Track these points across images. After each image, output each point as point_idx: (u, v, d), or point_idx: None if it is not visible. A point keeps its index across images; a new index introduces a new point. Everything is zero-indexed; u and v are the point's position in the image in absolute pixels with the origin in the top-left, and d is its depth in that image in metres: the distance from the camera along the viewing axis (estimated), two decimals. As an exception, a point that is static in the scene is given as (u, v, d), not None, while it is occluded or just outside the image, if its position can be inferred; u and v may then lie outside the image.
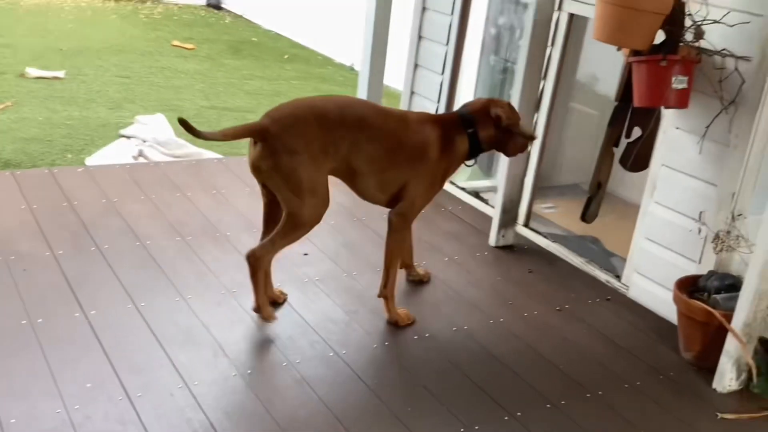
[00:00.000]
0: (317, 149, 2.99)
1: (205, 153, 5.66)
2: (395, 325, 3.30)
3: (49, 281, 3.30)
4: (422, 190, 3.24)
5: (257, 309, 3.15)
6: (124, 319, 3.09)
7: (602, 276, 3.99)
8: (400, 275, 3.72)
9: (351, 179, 3.21)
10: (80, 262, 3.48)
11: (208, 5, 12.31)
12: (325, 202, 3.08)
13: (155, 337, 3.00)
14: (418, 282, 3.69)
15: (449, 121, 3.28)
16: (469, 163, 3.35)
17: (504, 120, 3.22)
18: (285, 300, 3.37)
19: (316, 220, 3.09)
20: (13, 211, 3.89)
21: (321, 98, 3.24)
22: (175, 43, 9.52)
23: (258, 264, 3.08)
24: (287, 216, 3.03)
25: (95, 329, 2.99)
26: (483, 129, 3.26)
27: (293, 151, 2.94)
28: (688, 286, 3.32)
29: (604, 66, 5.15)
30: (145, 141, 5.66)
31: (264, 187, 3.13)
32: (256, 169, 3.01)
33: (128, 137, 5.77)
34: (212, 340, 3.02)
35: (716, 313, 3.06)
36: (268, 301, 3.23)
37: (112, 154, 5.42)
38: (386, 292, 3.32)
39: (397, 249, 3.32)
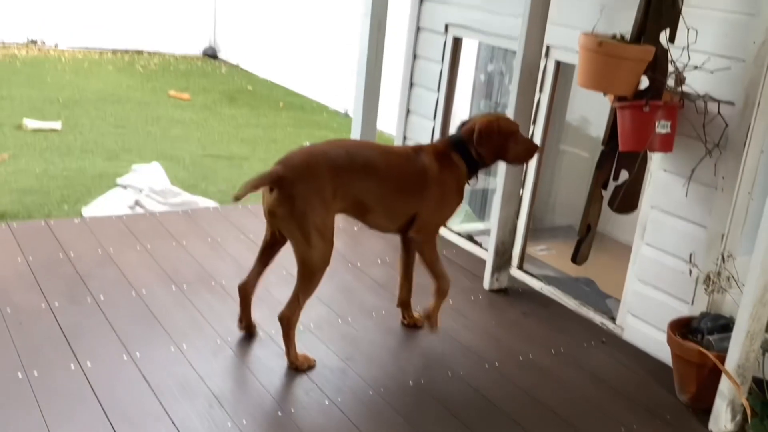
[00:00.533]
0: (328, 194, 3.13)
1: (201, 201, 5.72)
2: (428, 319, 3.53)
3: (45, 333, 3.31)
4: (433, 212, 3.40)
5: (295, 365, 3.22)
6: (120, 371, 3.09)
7: (597, 318, 4.01)
8: (396, 316, 3.74)
9: (362, 215, 3.37)
10: (76, 314, 3.49)
11: (205, 55, 12.51)
12: (331, 245, 3.20)
13: (151, 388, 3.00)
14: (412, 326, 3.71)
15: (442, 146, 3.45)
16: (471, 182, 3.48)
17: (478, 135, 3.36)
18: (255, 332, 3.48)
19: (326, 263, 3.20)
20: (9, 263, 3.91)
21: (330, 144, 3.37)
22: (172, 93, 9.66)
23: (290, 324, 3.20)
24: (300, 265, 3.16)
25: (91, 381, 2.99)
26: (474, 147, 3.40)
27: (307, 197, 3.07)
28: (682, 328, 3.34)
29: (594, 109, 5.24)
30: (141, 190, 5.71)
31: (272, 232, 3.25)
32: (272, 215, 3.14)
33: (125, 186, 5.83)
34: (207, 391, 3.02)
35: (710, 354, 3.07)
36: (248, 327, 3.42)
37: (109, 203, 5.46)
38: (438, 289, 3.49)
39: (432, 256, 3.47)
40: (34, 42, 11.40)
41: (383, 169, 3.29)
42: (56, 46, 11.55)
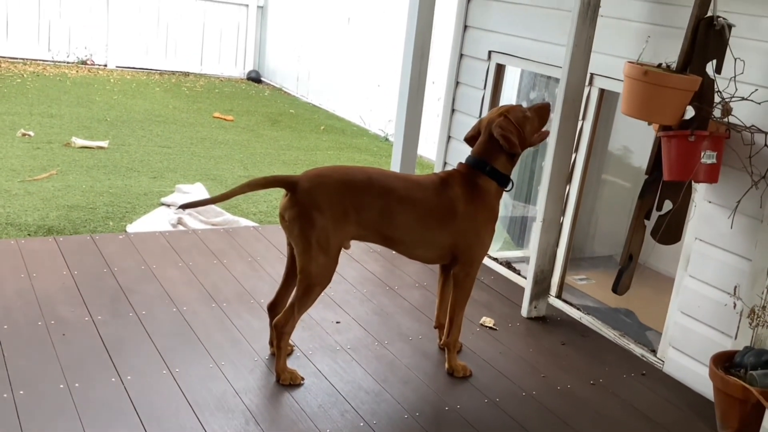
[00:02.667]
0: (339, 211, 3.15)
1: (242, 221, 5.79)
2: (451, 375, 3.46)
3: (88, 346, 3.37)
4: (473, 243, 3.36)
5: (278, 377, 3.25)
6: (159, 385, 3.13)
7: (637, 350, 3.95)
8: (433, 341, 3.74)
9: (392, 246, 3.38)
10: (118, 328, 3.55)
11: (249, 79, 12.73)
12: (333, 264, 3.22)
13: (188, 403, 3.03)
14: (449, 352, 3.69)
15: (467, 172, 3.41)
16: (507, 189, 3.44)
17: (505, 141, 3.33)
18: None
19: (325, 280, 3.21)
20: (55, 276, 4.00)
21: (355, 167, 3.41)
22: (216, 114, 9.82)
23: (283, 332, 3.21)
24: (299, 274, 3.18)
25: (130, 394, 3.04)
26: (496, 161, 3.38)
27: (316, 206, 3.11)
28: (724, 362, 3.27)
29: (636, 138, 5.21)
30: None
31: (292, 248, 3.29)
32: (282, 218, 3.21)
33: (168, 205, 5.93)
34: (244, 408, 3.04)
35: (753, 390, 3.01)
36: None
37: (152, 221, 5.56)
38: (449, 341, 3.50)
39: (463, 301, 3.46)
40: (84, 62, 11.71)
41: (406, 199, 3.26)
42: (105, 66, 11.85)
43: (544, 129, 3.50)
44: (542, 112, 3.48)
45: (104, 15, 11.70)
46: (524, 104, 5.43)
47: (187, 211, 5.78)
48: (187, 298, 3.93)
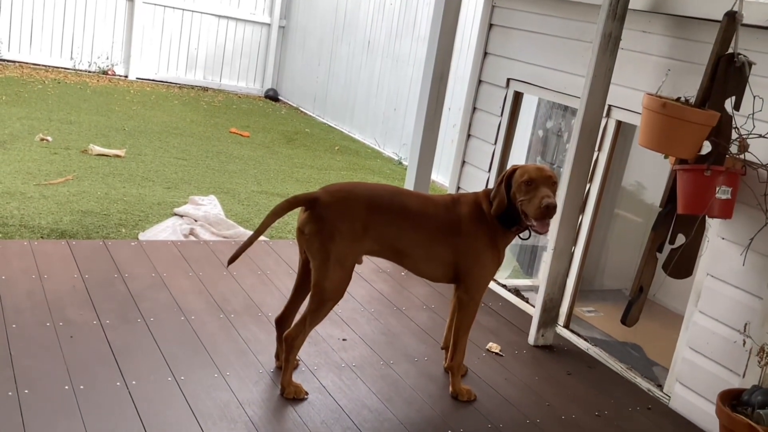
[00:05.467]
0: (359, 227, 3.17)
1: (253, 235, 5.80)
2: (456, 399, 3.45)
3: (94, 349, 3.38)
4: (473, 264, 3.35)
5: (283, 389, 3.24)
6: (164, 392, 3.13)
7: (643, 384, 3.92)
8: (438, 363, 3.72)
9: (401, 260, 3.38)
10: (125, 333, 3.56)
11: (266, 97, 12.83)
12: (348, 278, 3.22)
13: (192, 411, 3.03)
14: (454, 375, 3.68)
15: (480, 196, 3.41)
16: (523, 236, 3.40)
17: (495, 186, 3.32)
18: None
19: (339, 294, 3.21)
20: (66, 278, 4.02)
21: (376, 184, 3.44)
22: (233, 130, 9.89)
23: (293, 345, 3.21)
24: (314, 288, 3.18)
25: (135, 399, 3.04)
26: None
27: (336, 222, 3.13)
28: (732, 400, 3.24)
29: (650, 174, 5.21)
30: (196, 220, 5.83)
31: (303, 262, 3.31)
32: (300, 232, 3.21)
33: (181, 216, 5.96)
34: (247, 419, 3.04)
35: (760, 429, 2.98)
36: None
37: (165, 230, 5.58)
38: (452, 365, 3.48)
39: (467, 324, 3.45)
40: (105, 72, 11.84)
41: (419, 216, 3.30)
42: (126, 77, 11.98)
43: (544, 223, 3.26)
44: (546, 201, 3.21)
45: (127, 27, 11.85)
46: (540, 133, 5.46)
47: (199, 222, 5.80)
48: (196, 307, 3.94)
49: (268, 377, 3.38)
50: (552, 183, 3.23)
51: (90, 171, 7.00)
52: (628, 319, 3.65)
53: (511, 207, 3.29)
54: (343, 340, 3.86)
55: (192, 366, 3.36)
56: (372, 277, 4.73)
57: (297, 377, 3.38)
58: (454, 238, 3.33)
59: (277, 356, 3.48)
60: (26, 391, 2.96)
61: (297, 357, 3.47)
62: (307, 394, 3.27)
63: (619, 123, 4.24)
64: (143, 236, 5.50)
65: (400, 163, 9.60)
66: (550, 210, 3.17)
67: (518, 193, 3.25)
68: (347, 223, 3.14)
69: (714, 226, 3.56)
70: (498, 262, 3.44)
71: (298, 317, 3.30)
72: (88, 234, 5.49)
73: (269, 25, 12.81)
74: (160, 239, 5.27)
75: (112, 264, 4.30)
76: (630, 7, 3.82)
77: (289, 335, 3.21)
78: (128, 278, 4.14)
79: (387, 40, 10.44)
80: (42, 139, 7.76)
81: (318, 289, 3.17)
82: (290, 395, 3.23)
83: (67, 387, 3.05)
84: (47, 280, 3.96)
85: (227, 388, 3.24)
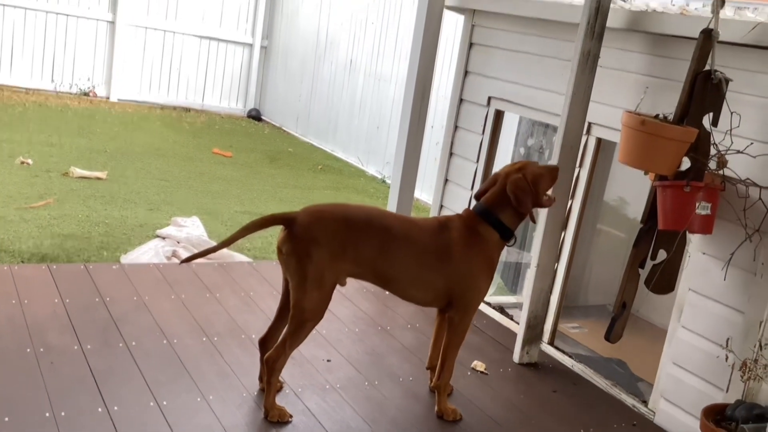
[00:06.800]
0: (337, 248, 3.15)
1: (237, 256, 5.77)
2: (441, 418, 3.43)
3: (76, 375, 3.33)
4: (468, 288, 3.36)
5: (267, 413, 3.21)
6: (146, 417, 3.09)
7: (628, 400, 3.92)
8: (424, 383, 3.71)
9: (387, 285, 3.37)
10: (107, 358, 3.52)
11: (249, 116, 12.83)
12: (327, 300, 3.21)
13: (174, 436, 2.99)
14: (440, 394, 3.67)
15: (469, 219, 3.41)
16: (509, 244, 3.45)
17: (515, 199, 3.34)
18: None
19: (318, 315, 3.20)
20: (46, 303, 3.98)
21: (355, 205, 3.44)
22: (216, 150, 9.88)
23: (274, 367, 3.18)
24: (292, 309, 3.17)
25: (116, 425, 3.00)
26: (504, 213, 3.38)
27: (314, 241, 3.12)
28: (715, 415, 3.25)
29: (631, 189, 5.25)
30: (179, 242, 5.80)
31: (286, 283, 3.28)
32: (279, 251, 3.20)
33: (163, 238, 5.92)
34: (231, 443, 3.01)
35: (744, 443, 2.99)
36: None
37: (147, 253, 5.55)
38: (439, 384, 3.47)
39: (456, 343, 3.45)
40: (86, 94, 11.80)
41: (403, 239, 3.27)
42: (107, 98, 11.94)
43: (551, 195, 3.52)
44: (553, 173, 3.50)
45: (108, 48, 11.83)
46: (522, 150, 5.49)
47: (182, 244, 5.77)
48: (178, 330, 3.90)
49: (252, 400, 3.35)
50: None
51: (71, 194, 6.96)
52: (612, 336, 3.66)
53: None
54: (328, 360, 3.83)
55: (174, 390, 3.33)
56: (356, 296, 4.71)
57: (281, 400, 3.35)
58: (446, 264, 3.31)
59: (261, 378, 3.45)
60: (6, 419, 2.92)
61: (281, 379, 3.45)
62: (291, 416, 3.24)
63: (599, 140, 4.27)
64: (125, 259, 5.46)
65: (384, 181, 9.61)
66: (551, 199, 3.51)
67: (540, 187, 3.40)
68: (325, 243, 3.13)
69: (695, 241, 3.59)
70: (491, 279, 3.46)
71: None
72: (69, 257, 5.44)
73: (251, 45, 12.83)
74: (142, 262, 5.23)
75: (93, 288, 4.26)
76: (608, 25, 3.86)
77: (270, 357, 3.19)
78: (110, 302, 4.10)
79: (369, 59, 10.48)
80: (22, 162, 7.71)
81: (297, 310, 3.15)
82: (274, 418, 3.20)
83: (48, 414, 3.01)
84: (27, 305, 3.92)
85: (210, 412, 3.20)
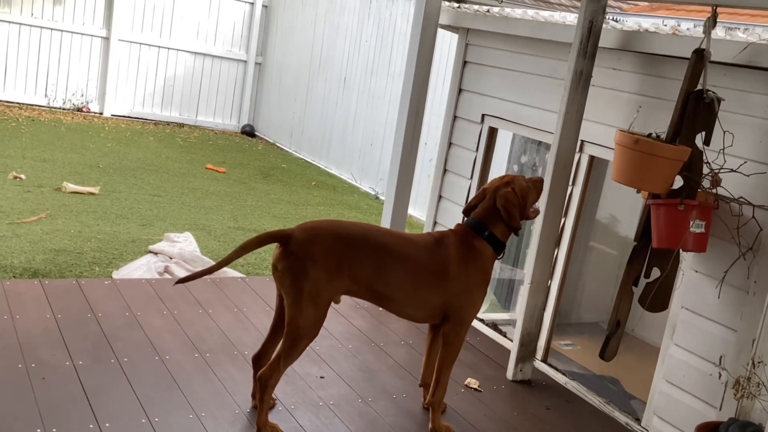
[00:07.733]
0: (333, 264, 3.14)
1: (229, 272, 5.76)
2: None
3: (67, 391, 3.31)
4: (464, 304, 3.36)
5: (260, 427, 3.19)
6: (137, 434, 3.07)
7: (621, 418, 3.92)
8: (417, 399, 3.70)
9: (382, 303, 3.36)
10: (99, 374, 3.50)
11: (243, 132, 12.84)
12: (322, 318, 3.19)
13: (166, 453, 2.97)
14: (433, 411, 3.65)
15: (463, 234, 3.42)
16: (499, 257, 3.47)
17: (506, 213, 3.38)
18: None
19: (313, 333, 3.18)
20: (38, 318, 3.95)
21: (350, 222, 3.43)
22: (209, 166, 9.87)
23: (267, 384, 3.17)
24: (287, 326, 3.15)
25: (107, 442, 2.98)
26: (496, 227, 3.41)
27: (310, 257, 3.10)
28: (709, 432, 3.25)
29: (624, 207, 5.27)
30: (171, 258, 5.78)
31: (281, 299, 3.26)
32: (274, 268, 3.18)
33: (156, 253, 5.91)
34: (223, 461, 2.99)
35: (738, 461, 2.98)
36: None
37: (139, 268, 5.53)
38: (434, 401, 3.45)
39: (451, 360, 3.44)
40: (79, 109, 11.80)
41: (399, 256, 3.28)
42: (101, 114, 11.94)
43: (535, 207, 3.57)
44: (539, 185, 3.56)
45: (102, 64, 11.84)
46: (515, 168, 5.51)
47: (175, 260, 5.76)
48: (170, 346, 3.88)
49: (245, 417, 3.33)
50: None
51: (63, 209, 6.94)
52: (606, 354, 3.66)
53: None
54: (321, 377, 3.82)
55: (166, 407, 3.31)
56: (349, 313, 4.70)
57: (273, 417, 3.33)
58: (444, 280, 3.32)
59: (254, 395, 3.43)
60: (-4, 436, 2.90)
61: (273, 396, 3.43)
62: None
63: (592, 158, 4.29)
64: (117, 274, 5.44)
65: (377, 198, 9.62)
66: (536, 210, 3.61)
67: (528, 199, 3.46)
68: (320, 261, 3.12)
69: (688, 259, 3.60)
70: (486, 293, 3.47)
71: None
72: (61, 273, 5.41)
73: (245, 61, 12.87)
74: (135, 277, 5.21)
75: (85, 303, 4.23)
76: (600, 45, 3.89)
77: (263, 375, 3.17)
78: (101, 318, 4.08)
79: (363, 76, 10.53)
80: (15, 177, 7.69)
81: (292, 327, 3.13)
82: None
83: (39, 430, 2.98)
84: (19, 320, 3.89)
85: (202, 429, 3.18)
